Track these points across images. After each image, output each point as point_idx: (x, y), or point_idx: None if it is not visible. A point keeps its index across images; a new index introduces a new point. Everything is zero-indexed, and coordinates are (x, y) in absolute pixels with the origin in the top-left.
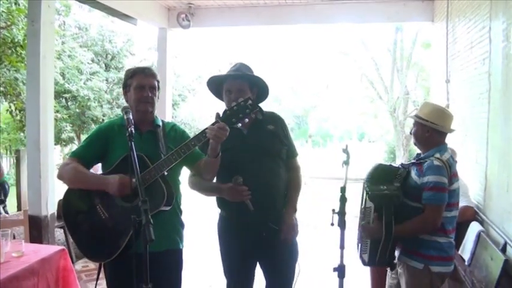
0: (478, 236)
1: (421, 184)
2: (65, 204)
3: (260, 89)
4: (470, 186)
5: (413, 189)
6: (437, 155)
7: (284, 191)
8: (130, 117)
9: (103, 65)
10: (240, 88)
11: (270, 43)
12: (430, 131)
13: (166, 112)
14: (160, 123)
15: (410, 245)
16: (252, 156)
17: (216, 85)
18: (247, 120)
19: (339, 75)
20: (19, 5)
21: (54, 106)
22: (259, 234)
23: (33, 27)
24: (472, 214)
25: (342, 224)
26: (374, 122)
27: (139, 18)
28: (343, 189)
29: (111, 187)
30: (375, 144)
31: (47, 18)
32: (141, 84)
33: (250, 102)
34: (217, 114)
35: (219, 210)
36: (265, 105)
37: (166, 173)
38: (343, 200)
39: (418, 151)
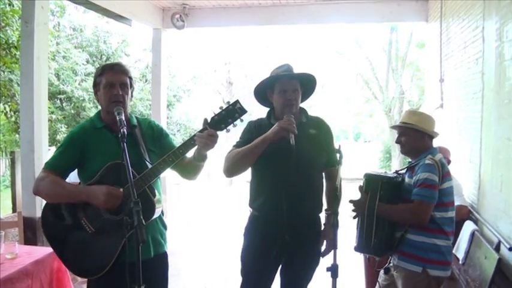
0: (472, 235)
1: (414, 183)
2: (45, 221)
3: (307, 87)
4: (465, 185)
5: (407, 192)
6: (430, 156)
7: (317, 198)
8: (123, 117)
9: (98, 66)
10: (295, 88)
11: (265, 43)
12: (424, 137)
13: (161, 113)
14: (136, 122)
15: (408, 248)
16: (288, 160)
17: (262, 87)
18: (235, 124)
19: (334, 75)
20: (13, 6)
21: (49, 107)
22: (284, 237)
23: (27, 28)
24: (466, 213)
25: (334, 224)
26: (370, 121)
27: (134, 18)
28: (335, 189)
29: (98, 199)
30: (370, 144)
31: (41, 19)
32: (111, 82)
33: (239, 105)
34: (205, 120)
35: (249, 211)
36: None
37: None
38: (335, 199)
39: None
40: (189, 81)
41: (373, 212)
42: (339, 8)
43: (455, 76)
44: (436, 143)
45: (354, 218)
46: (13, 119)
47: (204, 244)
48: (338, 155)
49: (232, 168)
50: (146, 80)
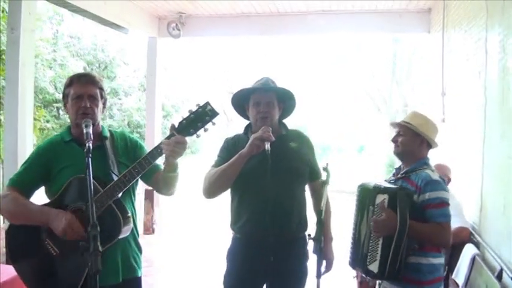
0: (473, 259)
1: (422, 202)
2: (9, 243)
3: (287, 102)
4: (465, 205)
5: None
6: (430, 169)
7: (302, 214)
8: (90, 130)
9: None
10: (269, 101)
11: (263, 51)
12: (423, 143)
13: (155, 123)
14: (108, 134)
15: (404, 271)
16: (269, 173)
17: (240, 100)
18: (206, 129)
19: (337, 86)
20: (6, 12)
21: (44, 116)
22: (269, 257)
23: (12, 35)
24: (466, 235)
25: (318, 252)
26: (373, 134)
27: (129, 27)
28: (319, 213)
29: (57, 227)
30: (374, 156)
31: (27, 26)
32: (78, 94)
33: (209, 107)
34: (173, 126)
35: (231, 234)
36: None
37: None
38: (319, 225)
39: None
40: (188, 91)
41: (403, 233)
42: (338, 18)
43: (457, 90)
44: (436, 159)
45: (375, 237)
46: None
47: (193, 263)
48: (326, 174)
49: (211, 188)
50: (144, 90)
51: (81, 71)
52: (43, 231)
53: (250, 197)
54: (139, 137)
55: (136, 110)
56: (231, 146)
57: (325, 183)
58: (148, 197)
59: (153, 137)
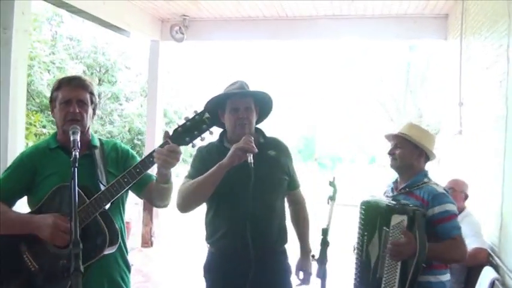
0: (492, 284)
1: (431, 216)
2: None
3: (264, 106)
4: (484, 224)
5: None
6: (433, 182)
7: (280, 225)
8: (77, 138)
9: (96, 79)
10: (248, 106)
11: (272, 58)
12: (422, 156)
13: (156, 130)
14: (98, 143)
15: None
16: (248, 184)
17: (213, 106)
18: (203, 138)
19: (348, 94)
20: None
21: (41, 121)
22: (248, 273)
23: (5, 35)
24: (485, 257)
25: (322, 274)
26: (385, 145)
27: (130, 29)
28: (325, 232)
29: (43, 232)
30: (385, 168)
31: (20, 26)
32: (67, 98)
33: (207, 115)
34: (166, 133)
35: (206, 248)
36: (273, 127)
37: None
38: (324, 244)
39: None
40: (192, 97)
41: (423, 256)
42: (350, 23)
43: (476, 100)
44: (452, 174)
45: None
46: None
47: (193, 280)
48: (332, 190)
49: (187, 201)
50: (146, 95)
51: (80, 74)
52: (23, 243)
53: (228, 210)
54: (140, 144)
55: (137, 116)
56: (205, 155)
57: (331, 198)
58: (147, 208)
59: (153, 145)
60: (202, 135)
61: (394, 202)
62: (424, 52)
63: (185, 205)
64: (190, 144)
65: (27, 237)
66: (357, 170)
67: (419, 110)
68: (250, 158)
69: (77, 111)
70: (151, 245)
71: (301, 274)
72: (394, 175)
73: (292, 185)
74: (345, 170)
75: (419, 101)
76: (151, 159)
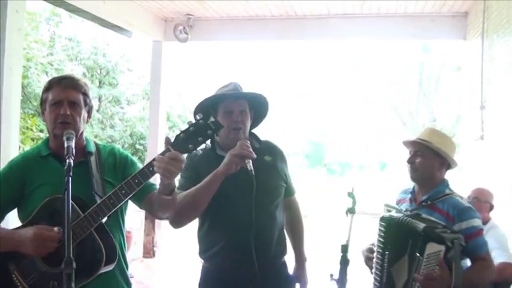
0: None
1: (465, 231)
2: None
3: (258, 110)
4: (510, 237)
5: None
6: (456, 193)
7: (280, 236)
8: (72, 144)
9: (96, 81)
10: (243, 109)
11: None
12: (444, 165)
13: (158, 135)
14: (94, 149)
15: None
16: (250, 193)
17: (206, 110)
18: (208, 144)
19: (357, 97)
20: None
21: (38, 125)
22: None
23: None
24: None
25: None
26: (397, 150)
27: (132, 29)
28: (344, 248)
29: (26, 246)
30: (398, 174)
31: (14, 25)
32: (57, 99)
33: (212, 119)
34: (167, 140)
35: (201, 263)
36: (279, 130)
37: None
38: (344, 263)
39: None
40: (196, 100)
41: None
42: (363, 22)
43: (499, 103)
44: (473, 182)
45: None
46: None
47: None
48: (351, 202)
49: (180, 216)
50: (149, 98)
51: (73, 74)
52: (10, 261)
53: (227, 221)
54: (142, 149)
55: (139, 120)
56: (197, 163)
57: (350, 211)
58: (149, 216)
59: (156, 150)
60: (208, 142)
61: (429, 225)
62: (438, 53)
63: (179, 219)
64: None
65: (16, 255)
66: (368, 176)
67: (432, 113)
68: (250, 165)
69: (68, 113)
70: (154, 255)
71: (297, 286)
72: (409, 183)
73: (288, 192)
74: (355, 176)
75: (432, 104)
76: (151, 168)
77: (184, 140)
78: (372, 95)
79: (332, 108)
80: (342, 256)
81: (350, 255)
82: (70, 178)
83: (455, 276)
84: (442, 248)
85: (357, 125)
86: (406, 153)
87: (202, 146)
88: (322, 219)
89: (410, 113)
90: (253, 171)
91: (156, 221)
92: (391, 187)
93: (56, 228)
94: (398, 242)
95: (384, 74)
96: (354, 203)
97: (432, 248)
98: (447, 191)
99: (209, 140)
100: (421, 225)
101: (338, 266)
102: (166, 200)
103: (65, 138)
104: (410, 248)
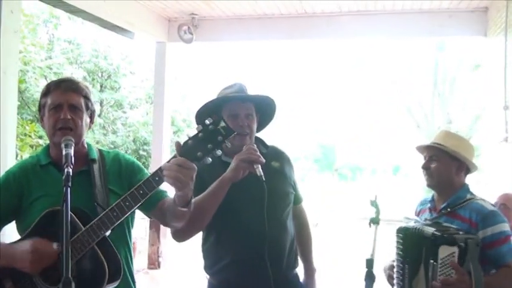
0: None
1: (483, 240)
2: None
3: (265, 113)
4: None
5: None
6: (478, 197)
7: (292, 247)
8: (71, 152)
9: (97, 85)
10: (249, 112)
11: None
12: (462, 169)
13: (163, 140)
14: (97, 156)
15: None
16: (261, 201)
17: (207, 113)
18: (219, 152)
19: (370, 99)
20: None
21: (36, 131)
22: None
23: None
24: None
25: None
26: (411, 153)
27: (134, 30)
28: (369, 263)
29: (21, 261)
30: (412, 178)
31: (9, 26)
32: (56, 103)
33: (223, 124)
34: (178, 144)
35: (206, 279)
36: (287, 133)
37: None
38: (370, 279)
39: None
40: (202, 104)
41: None
42: (376, 20)
43: None
44: (500, 188)
45: None
46: None
47: None
48: (375, 211)
49: (185, 228)
50: (152, 102)
51: (73, 77)
52: (7, 279)
53: (237, 233)
54: (146, 155)
55: (143, 125)
56: (200, 172)
57: (374, 221)
58: (155, 225)
59: (160, 156)
60: (217, 150)
61: (440, 229)
62: (453, 51)
63: (182, 232)
64: (203, 160)
65: (13, 271)
66: (380, 181)
67: (448, 115)
68: (260, 170)
69: (69, 117)
70: (159, 266)
71: None
72: (429, 190)
73: (296, 200)
74: (367, 181)
75: (448, 105)
76: (157, 178)
77: (193, 147)
78: (382, 96)
79: (339, 109)
80: (367, 272)
81: (375, 270)
82: (69, 189)
83: (475, 280)
84: (455, 249)
85: (366, 127)
86: (420, 156)
87: (214, 154)
88: (333, 226)
89: (424, 114)
90: (263, 177)
91: (162, 230)
92: (405, 192)
93: (54, 244)
94: (414, 252)
95: (397, 74)
96: (378, 212)
97: (445, 251)
98: (468, 196)
99: (220, 147)
100: (431, 230)
101: (363, 283)
102: (182, 212)
103: (63, 145)
104: (424, 256)
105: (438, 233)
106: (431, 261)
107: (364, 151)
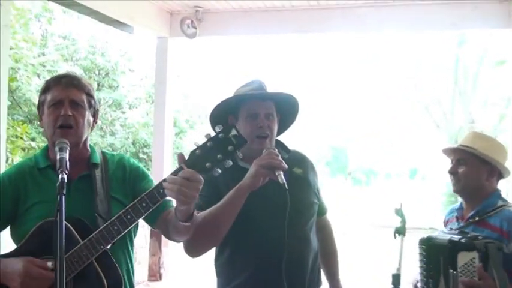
0: None
1: None
2: None
3: (286, 113)
4: None
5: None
6: (510, 203)
7: (315, 262)
8: (66, 156)
9: (94, 83)
10: (269, 112)
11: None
12: (493, 173)
13: (165, 142)
14: (100, 160)
15: None
16: (283, 211)
17: (223, 112)
18: (230, 163)
19: (385, 96)
20: None
21: (29, 132)
22: None
23: None
24: None
25: None
26: (430, 155)
27: (133, 24)
28: (396, 279)
29: (13, 281)
30: (430, 182)
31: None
32: (57, 99)
33: (234, 133)
34: (181, 156)
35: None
36: (298, 134)
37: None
38: None
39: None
40: (206, 103)
41: None
42: (394, 12)
43: None
44: None
45: None
46: None
47: None
48: (401, 221)
49: (199, 242)
50: (153, 102)
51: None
52: None
53: (254, 246)
54: (146, 158)
55: (143, 126)
56: (216, 179)
57: (399, 232)
58: (155, 234)
59: (161, 159)
60: (228, 160)
61: (458, 236)
62: (475, 46)
63: (197, 246)
64: (213, 172)
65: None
66: (396, 185)
67: (470, 114)
68: (282, 178)
69: (70, 113)
70: (160, 278)
71: None
72: (450, 195)
73: (320, 210)
74: (382, 185)
75: (470, 103)
76: (161, 190)
77: (201, 158)
78: (398, 93)
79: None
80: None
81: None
82: (64, 197)
83: (499, 285)
84: (475, 254)
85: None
86: (442, 159)
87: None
88: (349, 233)
89: (444, 113)
90: (286, 185)
91: (163, 239)
92: (424, 197)
93: (49, 264)
94: (435, 264)
95: (414, 69)
96: (404, 221)
97: (464, 257)
98: (500, 203)
99: (230, 158)
100: (447, 236)
101: None
102: (183, 227)
103: (57, 148)
104: (443, 266)
105: (455, 239)
106: (451, 270)
107: (379, 153)
